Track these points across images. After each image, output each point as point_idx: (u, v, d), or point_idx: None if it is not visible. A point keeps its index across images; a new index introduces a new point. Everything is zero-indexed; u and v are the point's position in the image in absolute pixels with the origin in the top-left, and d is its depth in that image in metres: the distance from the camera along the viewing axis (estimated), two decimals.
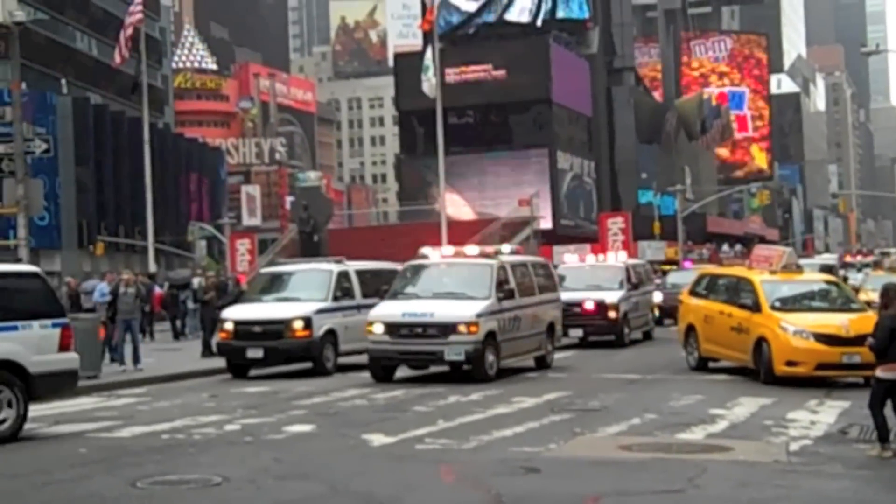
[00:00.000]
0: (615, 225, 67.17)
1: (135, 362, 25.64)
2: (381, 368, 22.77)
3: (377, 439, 14.53)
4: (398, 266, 30.78)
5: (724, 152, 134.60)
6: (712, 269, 34.37)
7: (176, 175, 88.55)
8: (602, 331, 31.25)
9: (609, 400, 18.69)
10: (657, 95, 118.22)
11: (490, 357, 22.14)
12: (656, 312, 36.85)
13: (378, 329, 22.49)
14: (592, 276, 32.93)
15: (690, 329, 24.15)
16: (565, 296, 28.87)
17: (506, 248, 25.97)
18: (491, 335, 22.22)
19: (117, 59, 43.31)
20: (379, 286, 27.64)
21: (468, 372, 22.29)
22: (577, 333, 30.71)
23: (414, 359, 22.82)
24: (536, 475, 11.88)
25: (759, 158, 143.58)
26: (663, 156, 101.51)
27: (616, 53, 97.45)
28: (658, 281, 44.53)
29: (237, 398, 20.22)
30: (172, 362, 27.66)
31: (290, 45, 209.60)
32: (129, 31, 42.52)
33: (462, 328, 21.78)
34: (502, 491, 11.01)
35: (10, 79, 34.04)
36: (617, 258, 35.38)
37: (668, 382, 21.54)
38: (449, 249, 25.35)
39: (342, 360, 25.48)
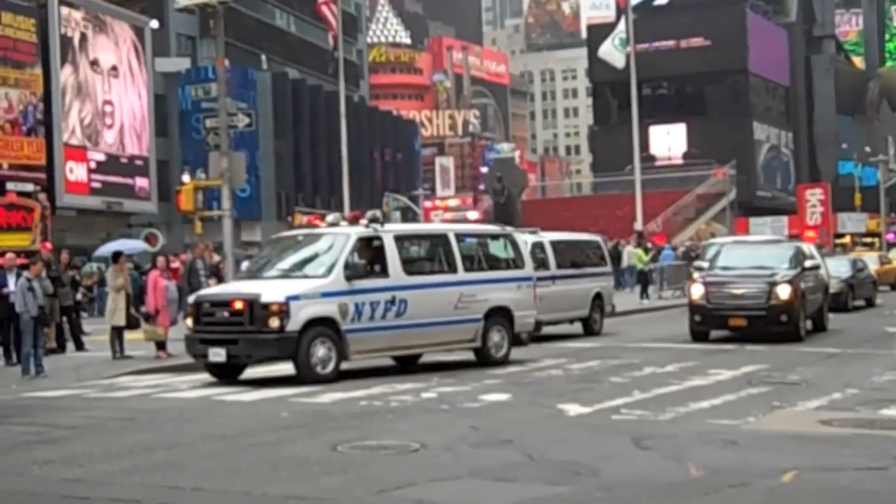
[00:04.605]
0: (814, 196, 65.79)
1: None
2: None
3: (573, 409, 14.56)
4: (593, 237, 30.85)
5: None
6: None
7: (371, 147, 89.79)
8: (257, 347, 18.03)
9: (808, 374, 18.33)
10: (858, 63, 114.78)
11: None
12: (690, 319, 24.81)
13: None
14: (298, 254, 20.16)
15: None
16: (212, 291, 20.71)
17: None
18: None
19: (331, 41, 45.02)
20: (573, 257, 27.79)
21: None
22: (217, 356, 18.26)
23: None
24: (734, 448, 11.74)
25: None
26: (865, 125, 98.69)
27: (816, 21, 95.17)
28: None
29: (432, 366, 20.46)
30: None
31: (482, 18, 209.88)
32: (334, 11, 43.84)
33: None
34: (699, 462, 10.93)
35: (214, 56, 34.98)
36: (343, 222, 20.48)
37: (870, 357, 20.97)
38: None
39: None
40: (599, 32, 74.26)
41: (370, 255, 19.25)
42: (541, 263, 26.04)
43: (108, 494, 10.02)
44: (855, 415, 13.99)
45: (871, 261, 40.72)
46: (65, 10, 55.95)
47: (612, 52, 49.30)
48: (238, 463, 11.29)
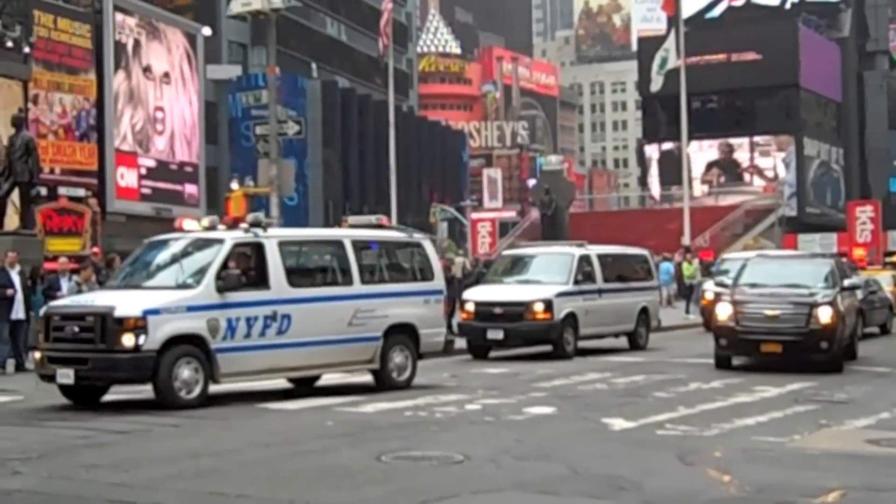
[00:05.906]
0: (864, 213, 65.16)
1: None
2: None
3: (617, 423, 14.52)
4: (640, 251, 30.74)
5: None
6: None
7: (419, 157, 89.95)
8: (109, 368, 15.94)
9: (856, 392, 18.17)
10: None
11: None
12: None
13: None
14: (165, 260, 17.83)
15: None
16: (63, 302, 18.26)
17: None
18: None
19: (381, 48, 45.18)
20: (620, 271, 27.71)
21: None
22: (65, 378, 16.10)
23: None
24: (779, 465, 11.66)
25: None
26: None
27: (869, 36, 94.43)
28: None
29: (477, 378, 20.48)
30: None
31: (533, 29, 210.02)
32: (387, 20, 44.03)
33: None
34: (744, 479, 10.86)
35: (265, 63, 35.19)
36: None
37: None
38: None
39: (582, 343, 25.60)
40: (650, 45, 73.99)
41: (249, 264, 17.23)
42: (587, 277, 26.03)
43: (153, 499, 10.11)
44: None
45: (885, 281, 36.09)
46: (119, 17, 56.50)
47: (655, 77, 49.53)
48: (282, 471, 11.34)
